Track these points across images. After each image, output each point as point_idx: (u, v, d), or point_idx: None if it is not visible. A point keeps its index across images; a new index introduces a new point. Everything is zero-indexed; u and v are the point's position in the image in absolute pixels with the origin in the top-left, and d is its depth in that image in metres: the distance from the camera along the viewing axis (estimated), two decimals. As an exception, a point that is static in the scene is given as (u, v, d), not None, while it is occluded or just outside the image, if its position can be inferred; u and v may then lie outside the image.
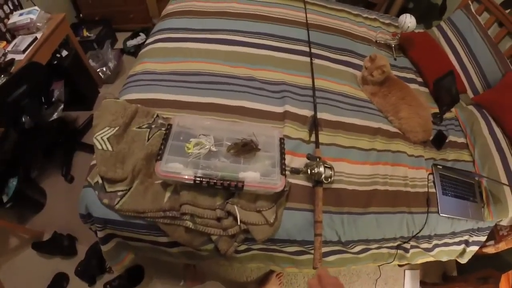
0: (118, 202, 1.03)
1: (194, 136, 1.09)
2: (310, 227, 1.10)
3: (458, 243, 1.39)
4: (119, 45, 2.76)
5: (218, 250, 1.05)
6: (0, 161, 1.85)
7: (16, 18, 1.77)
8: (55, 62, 1.95)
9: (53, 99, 1.78)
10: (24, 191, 1.72)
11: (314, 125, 1.31)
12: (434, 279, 1.82)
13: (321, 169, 1.09)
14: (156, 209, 1.02)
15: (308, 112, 1.40)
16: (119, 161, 1.08)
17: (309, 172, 1.11)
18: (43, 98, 1.73)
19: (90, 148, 1.95)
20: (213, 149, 1.06)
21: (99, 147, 1.10)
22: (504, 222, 1.43)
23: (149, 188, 1.06)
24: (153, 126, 1.20)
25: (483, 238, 1.41)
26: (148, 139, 1.15)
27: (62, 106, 1.76)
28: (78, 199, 1.09)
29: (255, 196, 1.06)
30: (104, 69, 2.35)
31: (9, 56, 1.67)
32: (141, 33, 2.71)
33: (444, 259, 1.43)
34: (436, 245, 1.35)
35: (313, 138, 1.30)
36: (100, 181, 1.06)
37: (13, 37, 1.80)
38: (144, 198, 1.03)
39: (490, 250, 1.49)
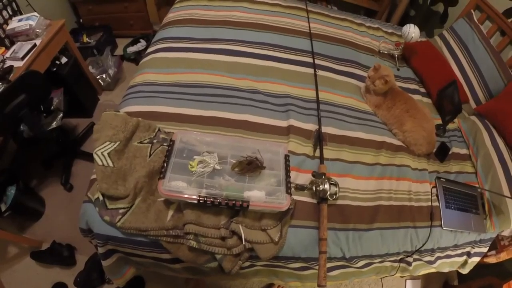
0: (120, 219, 1.01)
1: (198, 153, 1.08)
2: (315, 244, 1.09)
3: (460, 255, 1.39)
4: (119, 51, 2.73)
5: (222, 268, 1.04)
6: (-2, 170, 1.83)
7: (15, 24, 1.75)
8: (54, 69, 1.93)
9: (52, 108, 1.76)
10: (22, 200, 1.70)
11: (319, 140, 1.30)
12: (436, 289, 1.82)
13: (326, 186, 1.08)
14: (159, 227, 1.00)
15: (312, 126, 1.39)
16: (120, 178, 1.06)
17: (314, 189, 1.10)
18: (42, 107, 1.70)
19: (90, 157, 1.93)
20: (217, 167, 1.05)
21: (100, 163, 1.08)
22: (506, 233, 1.43)
23: (151, 206, 1.04)
24: (154, 141, 1.18)
25: (485, 249, 1.41)
26: (150, 155, 1.14)
27: (61, 115, 1.74)
28: (78, 212, 1.08)
29: (260, 215, 1.05)
30: (104, 76, 2.32)
31: (8, 63, 1.64)
32: (141, 40, 2.68)
33: (446, 270, 1.43)
34: (439, 258, 1.35)
35: (317, 153, 1.29)
36: (101, 198, 1.05)
37: (12, 43, 1.77)
38: (146, 216, 1.02)
39: (492, 260, 1.49)
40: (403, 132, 1.47)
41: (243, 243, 0.99)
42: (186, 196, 0.97)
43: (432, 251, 1.30)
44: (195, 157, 1.06)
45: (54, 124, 1.71)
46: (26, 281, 1.58)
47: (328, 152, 1.32)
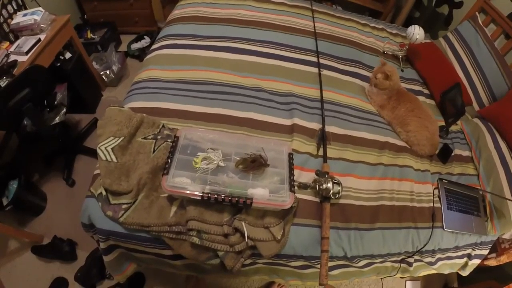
0: (122, 215, 1.02)
1: (202, 150, 1.08)
2: (317, 243, 1.09)
3: (461, 257, 1.39)
4: (123, 48, 2.73)
5: (224, 265, 1.04)
6: (0, 164, 1.83)
7: (19, 18, 1.75)
8: (58, 64, 1.93)
9: (56, 103, 1.76)
10: (24, 194, 1.70)
11: (323, 139, 1.30)
12: (435, 291, 1.82)
13: (329, 185, 1.08)
14: (162, 223, 1.00)
15: (316, 125, 1.39)
16: (124, 174, 1.06)
17: (317, 187, 1.10)
18: (45, 101, 1.71)
19: (92, 152, 1.93)
20: (221, 164, 1.05)
21: (103, 158, 1.08)
22: (507, 236, 1.43)
23: (154, 202, 1.04)
24: (158, 137, 1.18)
25: (486, 252, 1.41)
26: (154, 151, 1.14)
27: (64, 110, 1.75)
28: (80, 207, 1.08)
29: (262, 212, 1.05)
30: (108, 72, 2.32)
31: (12, 57, 1.64)
32: (145, 36, 2.68)
33: (446, 272, 1.43)
34: (439, 259, 1.35)
35: (321, 152, 1.29)
36: (104, 193, 1.05)
37: (16, 37, 1.77)
38: (149, 212, 1.02)
39: (492, 262, 1.49)
40: (406, 132, 1.47)
41: (246, 240, 0.99)
42: (189, 192, 0.97)
43: (433, 252, 1.30)
44: (199, 153, 1.06)
45: (57, 119, 1.72)
46: (27, 275, 1.59)
47: (332, 151, 1.32)
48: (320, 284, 1.01)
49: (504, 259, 1.46)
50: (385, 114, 1.56)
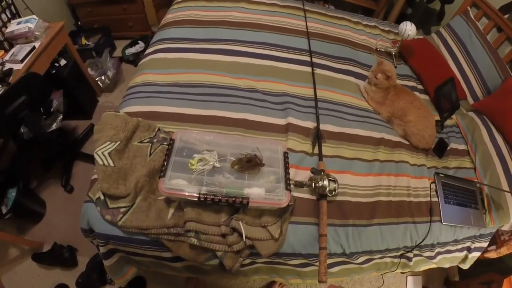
0: (121, 218, 1.02)
1: (198, 151, 1.09)
2: (315, 241, 1.10)
3: (461, 250, 1.39)
4: (117, 53, 2.74)
5: (223, 266, 1.04)
6: (-1, 172, 1.84)
7: (14, 26, 1.76)
8: (54, 71, 1.94)
9: (52, 109, 1.76)
10: (23, 202, 1.71)
11: (318, 137, 1.31)
12: (437, 285, 1.82)
13: (325, 182, 1.09)
14: (160, 226, 1.01)
15: (311, 124, 1.40)
16: (121, 178, 1.07)
17: (313, 185, 1.11)
18: (42, 108, 1.71)
19: (90, 158, 1.95)
20: (217, 165, 1.06)
21: (101, 162, 1.09)
22: (506, 227, 1.43)
23: (152, 204, 1.05)
24: (154, 140, 1.19)
25: (485, 244, 1.42)
26: (150, 154, 1.14)
27: (61, 117, 1.75)
28: (79, 213, 1.09)
29: (260, 212, 1.06)
30: (103, 77, 2.33)
31: (7, 66, 1.65)
32: (140, 41, 2.69)
33: (447, 266, 1.43)
34: (439, 253, 1.35)
35: (316, 151, 1.30)
36: (102, 197, 1.05)
37: (11, 46, 1.78)
38: (147, 215, 1.02)
39: (492, 255, 1.50)
40: (406, 122, 1.47)
41: (244, 240, 1.00)
42: (186, 194, 0.98)
43: (432, 246, 1.30)
44: (195, 155, 1.07)
45: (54, 126, 1.72)
46: (28, 283, 1.59)
47: (327, 149, 1.33)
48: (319, 281, 1.01)
49: (504, 251, 1.47)
50: (383, 110, 1.57)
